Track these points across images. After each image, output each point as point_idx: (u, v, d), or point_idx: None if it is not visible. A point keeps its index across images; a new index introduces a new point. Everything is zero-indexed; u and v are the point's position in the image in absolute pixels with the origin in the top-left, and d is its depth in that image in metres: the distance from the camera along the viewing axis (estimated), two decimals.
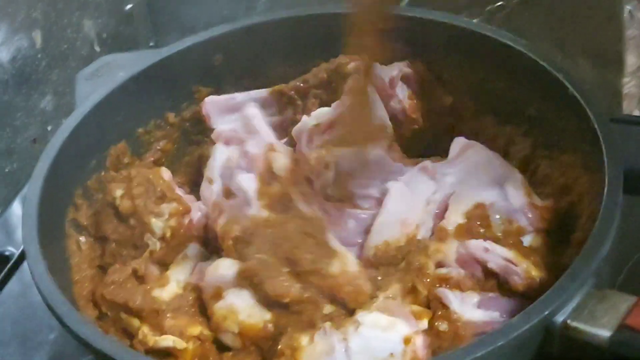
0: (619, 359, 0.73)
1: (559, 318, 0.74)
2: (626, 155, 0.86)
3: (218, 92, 1.11)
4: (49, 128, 1.39)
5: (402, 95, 1.07)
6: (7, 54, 1.30)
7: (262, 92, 1.10)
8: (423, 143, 1.08)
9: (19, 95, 1.33)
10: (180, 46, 1.11)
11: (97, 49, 1.51)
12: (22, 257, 1.12)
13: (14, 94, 1.31)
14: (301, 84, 1.10)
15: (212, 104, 1.09)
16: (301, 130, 1.03)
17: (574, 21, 1.46)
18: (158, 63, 1.09)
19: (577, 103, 0.92)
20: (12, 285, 1.10)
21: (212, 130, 1.08)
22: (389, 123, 1.04)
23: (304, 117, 1.05)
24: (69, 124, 1.01)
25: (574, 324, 0.74)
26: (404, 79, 1.08)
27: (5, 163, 1.32)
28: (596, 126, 0.89)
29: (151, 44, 1.64)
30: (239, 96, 1.10)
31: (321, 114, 1.04)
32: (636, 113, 1.49)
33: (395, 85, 1.06)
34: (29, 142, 1.35)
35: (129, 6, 1.58)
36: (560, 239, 0.90)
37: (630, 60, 1.44)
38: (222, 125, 1.08)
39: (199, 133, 1.12)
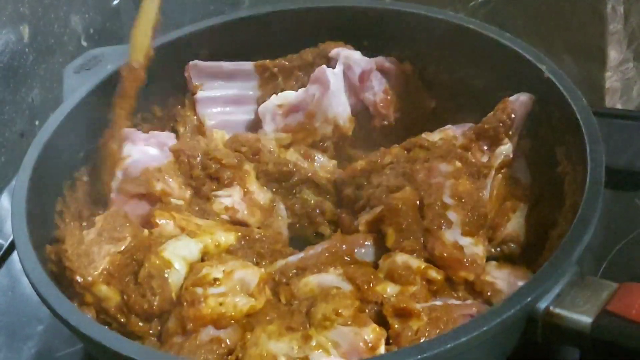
0: (600, 345, 0.74)
1: (542, 305, 0.75)
2: (608, 149, 0.87)
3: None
4: (37, 122, 1.39)
5: (378, 88, 1.09)
6: None
7: (247, 65, 1.13)
8: (395, 136, 1.10)
9: (7, 90, 1.33)
10: (165, 40, 1.12)
11: (84, 44, 1.51)
12: (10, 249, 1.12)
13: (1, 87, 1.31)
14: (286, 62, 1.13)
15: (195, 67, 1.13)
16: (266, 109, 1.09)
17: (557, 16, 1.47)
18: None
19: (560, 95, 0.93)
20: (1, 277, 1.10)
21: None
22: (345, 118, 1.07)
23: (272, 97, 1.08)
24: (57, 116, 1.02)
25: (557, 310, 0.75)
26: (384, 72, 1.09)
27: None
28: (579, 118, 0.90)
29: None
30: (224, 64, 1.12)
31: (287, 96, 1.08)
32: (618, 107, 1.50)
33: (367, 79, 1.08)
34: (16, 136, 1.35)
35: (115, 2, 1.58)
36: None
37: (613, 54, 1.45)
38: (203, 91, 1.12)
39: None
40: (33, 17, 1.37)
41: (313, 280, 0.89)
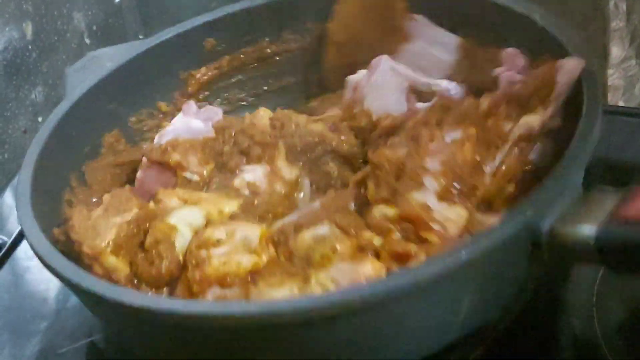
0: (607, 256, 0.70)
1: (545, 224, 0.71)
2: (610, 146, 0.86)
3: (210, 76, 1.14)
4: (40, 119, 1.39)
5: None
6: None
7: None
8: None
9: (10, 87, 1.33)
10: (166, 35, 1.13)
11: (87, 41, 1.51)
12: (13, 245, 1.12)
13: (4, 84, 1.31)
14: None
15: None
16: (353, 79, 1.07)
17: (559, 13, 1.47)
18: (145, 52, 1.10)
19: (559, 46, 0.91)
20: (4, 274, 1.10)
21: None
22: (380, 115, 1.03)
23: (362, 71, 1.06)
24: (59, 111, 1.02)
25: (560, 226, 0.71)
26: None
27: None
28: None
29: (140, 36, 1.65)
30: None
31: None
32: (621, 104, 1.50)
33: None
34: (19, 133, 1.35)
35: None
36: None
37: (615, 52, 1.45)
38: None
39: None
40: (36, 15, 1.37)
41: (308, 234, 0.87)
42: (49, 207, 0.94)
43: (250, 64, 1.18)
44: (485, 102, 0.90)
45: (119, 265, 0.88)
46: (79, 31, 1.49)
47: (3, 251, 1.12)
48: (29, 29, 1.36)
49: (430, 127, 0.92)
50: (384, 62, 1.04)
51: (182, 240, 0.89)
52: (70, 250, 0.88)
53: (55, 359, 0.98)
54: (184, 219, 0.91)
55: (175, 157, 1.00)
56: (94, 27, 1.53)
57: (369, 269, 0.79)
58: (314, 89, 1.17)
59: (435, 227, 0.82)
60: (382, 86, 1.03)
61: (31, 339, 1.01)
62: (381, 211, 0.87)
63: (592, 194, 0.73)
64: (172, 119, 1.09)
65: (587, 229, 0.70)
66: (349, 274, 0.79)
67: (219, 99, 1.18)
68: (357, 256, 0.81)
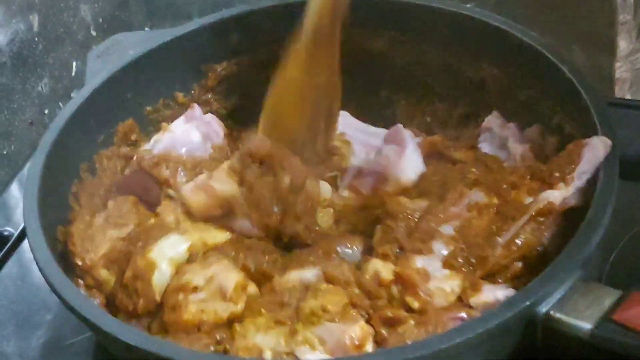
0: (599, 353, 0.72)
1: (542, 308, 0.73)
2: (617, 139, 0.86)
3: (232, 70, 1.13)
4: (46, 111, 1.40)
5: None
6: (5, 37, 1.31)
7: None
8: None
9: (16, 79, 1.33)
10: (194, 26, 1.11)
11: (93, 33, 1.51)
12: (20, 237, 1.12)
13: (11, 76, 1.32)
14: None
15: None
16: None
17: (566, 6, 1.47)
18: (171, 41, 1.09)
19: (572, 85, 0.91)
20: (11, 265, 1.10)
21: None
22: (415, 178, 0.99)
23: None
24: (78, 98, 1.01)
25: (557, 315, 0.73)
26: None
27: (3, 145, 1.33)
28: (592, 110, 0.87)
29: (146, 28, 1.65)
30: None
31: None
32: (628, 97, 1.50)
33: None
34: (26, 125, 1.35)
35: None
36: None
37: (622, 44, 1.45)
38: None
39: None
40: (42, 6, 1.37)
41: (295, 276, 0.88)
42: (55, 200, 0.94)
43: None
44: (512, 174, 0.89)
45: (110, 278, 0.90)
46: (85, 23, 1.49)
47: (10, 243, 1.12)
48: (35, 20, 1.36)
49: (465, 182, 0.92)
50: (409, 139, 1.01)
51: (160, 277, 0.89)
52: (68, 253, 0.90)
53: (60, 351, 0.98)
54: (165, 253, 0.90)
55: (164, 174, 1.00)
56: (100, 20, 1.53)
57: (357, 332, 0.79)
58: None
59: (422, 295, 0.83)
60: (411, 159, 1.00)
61: (37, 331, 1.01)
62: (375, 268, 0.87)
63: (592, 288, 0.75)
64: (186, 111, 1.09)
65: (584, 325, 0.72)
66: (337, 334, 0.79)
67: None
68: (347, 315, 0.81)
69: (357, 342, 0.78)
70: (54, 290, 0.81)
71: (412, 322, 0.80)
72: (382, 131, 1.06)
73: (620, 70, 1.46)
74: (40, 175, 0.91)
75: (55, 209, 0.93)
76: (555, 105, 0.95)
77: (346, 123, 1.07)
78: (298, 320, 0.82)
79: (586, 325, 0.72)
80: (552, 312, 0.73)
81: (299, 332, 0.80)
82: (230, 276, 0.87)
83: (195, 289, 0.86)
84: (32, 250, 0.85)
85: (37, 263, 0.83)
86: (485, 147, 1.00)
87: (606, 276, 0.95)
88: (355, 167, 1.02)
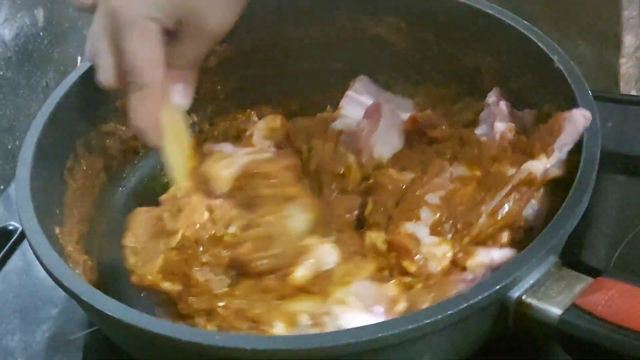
0: (567, 339, 0.73)
1: (514, 293, 0.74)
2: (622, 135, 0.86)
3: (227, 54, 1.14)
4: None
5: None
6: (10, 32, 1.31)
7: None
8: None
9: (21, 73, 1.33)
10: None
11: None
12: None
13: (16, 71, 1.31)
14: None
15: None
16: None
17: (572, 1, 1.47)
18: None
19: (560, 74, 0.92)
20: (15, 260, 1.10)
21: None
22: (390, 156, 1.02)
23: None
24: (80, 70, 1.03)
25: (528, 300, 0.74)
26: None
27: (7, 139, 1.33)
28: (577, 98, 0.88)
29: None
30: None
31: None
32: (633, 93, 1.50)
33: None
34: (31, 119, 1.35)
35: None
36: None
37: (628, 40, 1.44)
38: None
39: None
40: (48, 1, 1.37)
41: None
42: (49, 184, 0.96)
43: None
44: (493, 147, 0.91)
45: (174, 287, 0.87)
46: (90, 18, 1.48)
47: (14, 238, 1.12)
48: (40, 15, 1.36)
49: (442, 159, 0.94)
50: (386, 115, 1.02)
51: None
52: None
53: (65, 345, 0.98)
54: None
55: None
56: None
57: (393, 289, 0.81)
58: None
59: (418, 258, 0.84)
60: (385, 136, 1.02)
61: (42, 325, 1.01)
62: (370, 238, 0.88)
63: (565, 274, 0.76)
64: None
65: (554, 310, 0.73)
66: (373, 291, 0.81)
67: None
68: (380, 276, 0.83)
69: (391, 300, 0.80)
70: (55, 280, 0.81)
71: (419, 285, 0.82)
72: (394, 97, 1.10)
73: (626, 66, 1.46)
74: (36, 147, 0.94)
75: (49, 193, 0.95)
76: (546, 94, 0.96)
77: (364, 86, 1.10)
78: (330, 283, 0.83)
79: (556, 311, 0.73)
80: (524, 297, 0.74)
81: (333, 293, 0.80)
82: None
83: None
84: (28, 241, 0.86)
85: (34, 253, 0.84)
86: (483, 122, 1.00)
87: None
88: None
